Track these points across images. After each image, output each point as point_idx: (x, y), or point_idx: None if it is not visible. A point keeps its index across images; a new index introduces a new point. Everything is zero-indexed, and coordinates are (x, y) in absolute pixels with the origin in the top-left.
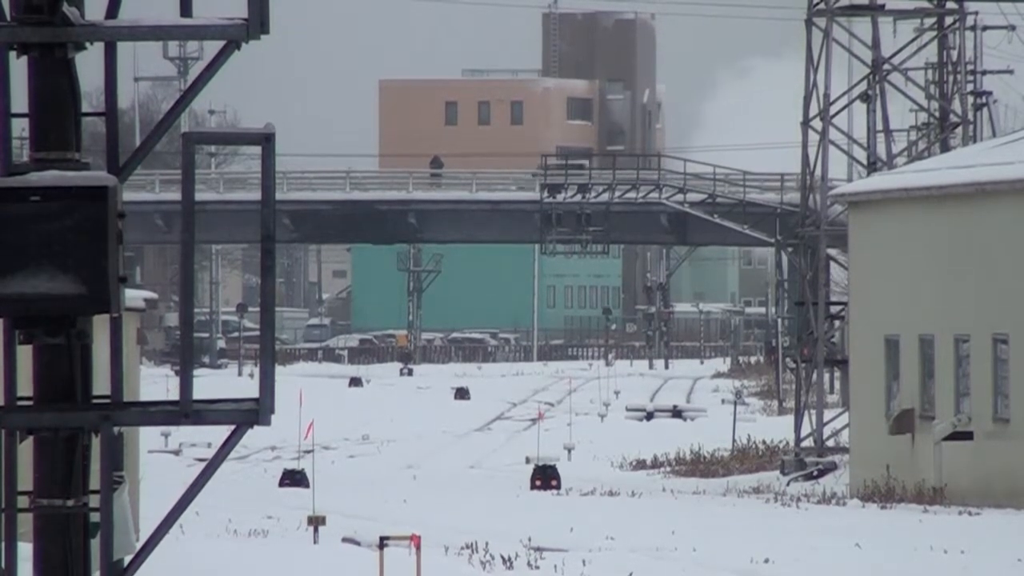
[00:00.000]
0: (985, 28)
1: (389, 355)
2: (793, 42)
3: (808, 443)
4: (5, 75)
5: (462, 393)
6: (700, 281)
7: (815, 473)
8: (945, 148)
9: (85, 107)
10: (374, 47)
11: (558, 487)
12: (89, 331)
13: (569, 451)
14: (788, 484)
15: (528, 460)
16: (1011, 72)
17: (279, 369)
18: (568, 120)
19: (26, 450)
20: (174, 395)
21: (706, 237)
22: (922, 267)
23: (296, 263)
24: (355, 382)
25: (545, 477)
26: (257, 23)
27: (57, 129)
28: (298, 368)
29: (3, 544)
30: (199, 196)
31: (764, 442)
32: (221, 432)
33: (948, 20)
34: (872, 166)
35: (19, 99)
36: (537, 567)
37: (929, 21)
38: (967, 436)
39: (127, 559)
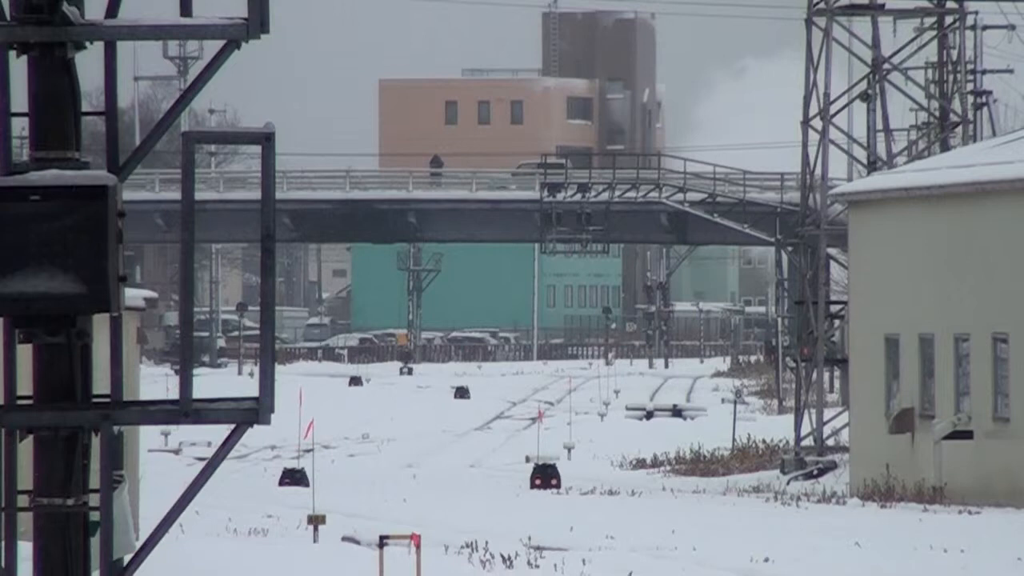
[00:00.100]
0: (985, 28)
1: (389, 354)
2: (790, 42)
3: (808, 442)
4: (5, 75)
5: (462, 392)
6: (700, 280)
7: (815, 472)
8: (945, 148)
9: (85, 107)
10: (374, 47)
11: (558, 486)
12: (89, 330)
13: (569, 450)
14: (788, 483)
15: (528, 459)
16: (1011, 72)
17: (279, 368)
18: (568, 120)
19: (26, 450)
20: (174, 394)
21: (706, 236)
22: (922, 267)
23: (296, 262)
24: (355, 381)
25: (545, 476)
26: (257, 23)
27: (57, 128)
28: (298, 367)
29: (3, 543)
30: (199, 195)
31: (764, 441)
32: (221, 431)
33: (948, 20)
34: (872, 166)
35: (19, 99)
36: (537, 566)
37: (929, 20)
38: (967, 435)
39: (127, 558)
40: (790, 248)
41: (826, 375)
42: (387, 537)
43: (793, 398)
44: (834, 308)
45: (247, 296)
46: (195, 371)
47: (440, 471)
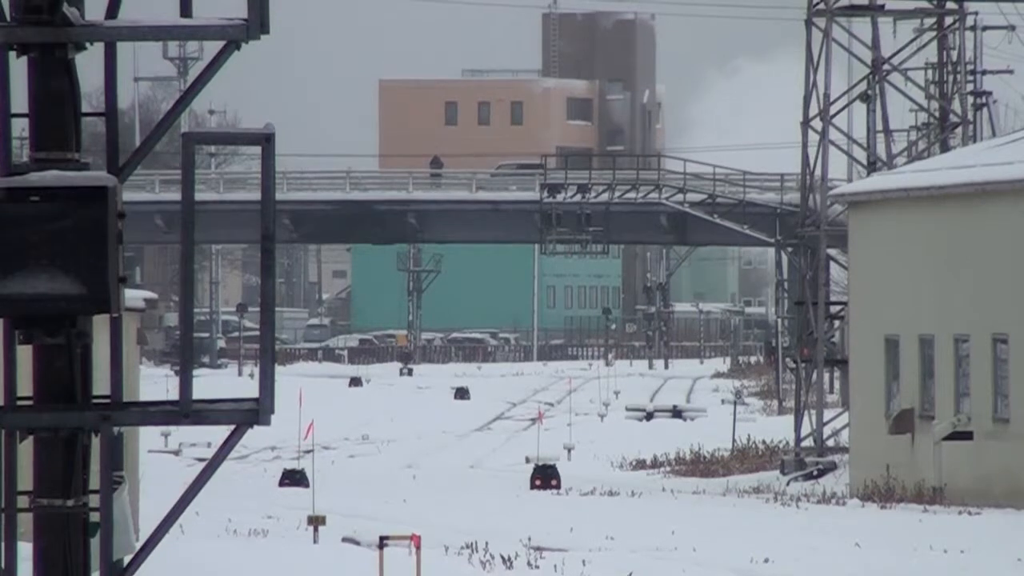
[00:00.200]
0: (985, 28)
1: (389, 355)
2: (783, 42)
3: (808, 443)
4: (5, 75)
5: (462, 393)
6: (700, 281)
7: (815, 473)
8: (945, 148)
9: (85, 107)
10: (374, 47)
11: (558, 487)
12: (89, 331)
13: (569, 451)
14: (788, 484)
15: (528, 460)
16: (1011, 72)
17: (279, 369)
18: (568, 120)
19: (26, 450)
20: (174, 395)
21: (706, 237)
22: (922, 267)
23: (296, 263)
24: (355, 382)
25: (545, 477)
26: (257, 23)
27: (57, 129)
28: (298, 368)
29: (3, 544)
30: (199, 196)
31: (764, 442)
32: (221, 432)
33: (948, 20)
34: (872, 166)
35: (19, 99)
36: (537, 567)
37: (929, 21)
38: (967, 436)
39: (127, 559)
40: (790, 249)
41: (826, 376)
42: (387, 538)
43: (793, 399)
44: (834, 309)
45: (247, 297)
46: (195, 372)
47: (440, 472)
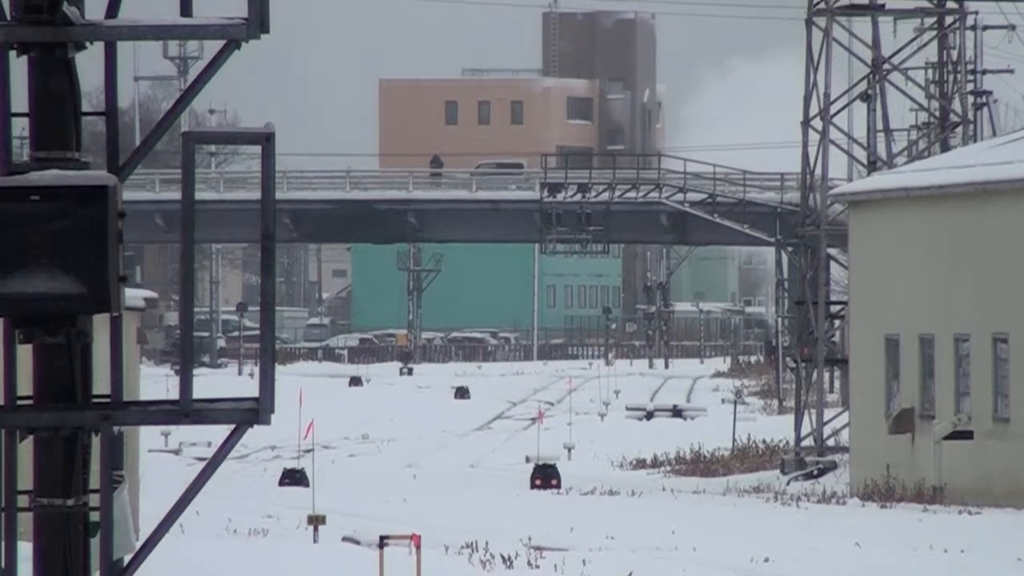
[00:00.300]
0: (985, 28)
1: (389, 354)
2: (784, 42)
3: (808, 442)
4: (5, 75)
5: (462, 392)
6: (700, 281)
7: (815, 472)
8: (945, 148)
9: (85, 107)
10: (374, 47)
11: (558, 486)
12: (89, 331)
13: (569, 450)
14: (788, 483)
15: (528, 459)
16: (1011, 72)
17: (279, 368)
18: (568, 120)
19: (26, 450)
20: (174, 395)
21: (706, 237)
22: (922, 267)
23: (296, 263)
24: (355, 381)
25: (545, 476)
26: (257, 23)
27: (57, 129)
28: (298, 367)
29: (3, 544)
30: (199, 196)
31: (764, 441)
32: (221, 431)
33: (948, 20)
34: (872, 166)
35: (19, 99)
36: (537, 567)
37: (929, 21)
38: (967, 436)
39: (127, 558)
40: (790, 248)
41: (826, 375)
42: (387, 537)
43: (793, 398)
44: (834, 308)
45: (247, 296)
46: (195, 371)
47: (440, 471)
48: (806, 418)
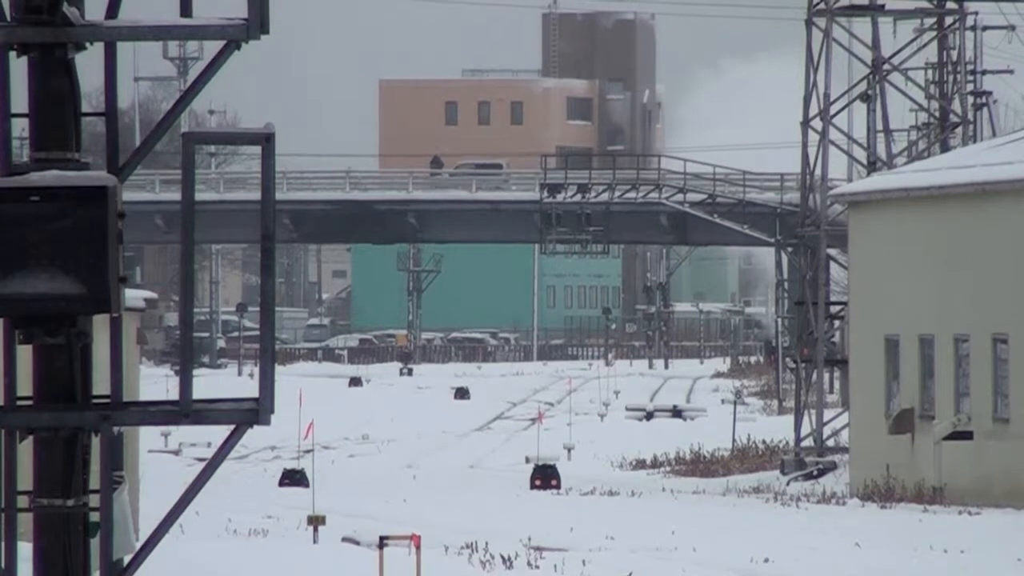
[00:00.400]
0: (985, 28)
1: (389, 355)
2: (781, 42)
3: (808, 443)
4: (5, 75)
5: (462, 393)
6: (700, 281)
7: (815, 473)
8: (945, 148)
9: (85, 107)
10: (374, 47)
11: (558, 487)
12: (89, 331)
13: (569, 451)
14: (788, 484)
15: (528, 460)
16: (1011, 72)
17: (279, 369)
18: (568, 120)
19: (26, 450)
20: (174, 395)
21: (706, 237)
22: (922, 267)
23: (296, 263)
24: (355, 382)
25: (545, 477)
26: (257, 23)
27: (57, 129)
28: (298, 368)
29: (3, 544)
30: (199, 196)
31: (764, 442)
32: (221, 432)
33: (948, 20)
34: (872, 166)
35: (19, 99)
36: (537, 567)
37: (929, 21)
38: (967, 436)
39: (127, 559)
40: (790, 249)
41: (826, 376)
42: (387, 538)
43: (793, 399)
44: (834, 309)
45: (247, 296)
46: (195, 372)
47: (440, 471)
48: (806, 418)
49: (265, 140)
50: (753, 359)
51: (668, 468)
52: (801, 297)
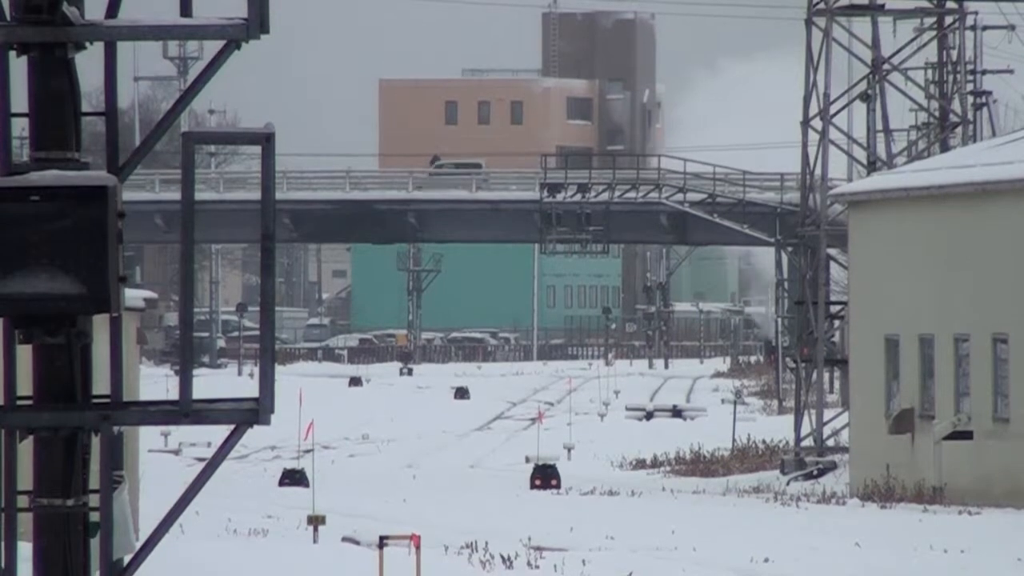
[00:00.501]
0: (985, 28)
1: (389, 355)
2: (781, 41)
3: (808, 443)
4: (5, 75)
5: (462, 393)
6: (700, 281)
7: (815, 473)
8: (945, 148)
9: (85, 107)
10: (374, 47)
11: (558, 487)
12: (89, 331)
13: (569, 451)
14: (788, 484)
15: (528, 460)
16: (1011, 72)
17: (279, 369)
18: (568, 120)
19: (26, 450)
20: (174, 395)
21: (706, 237)
22: (922, 267)
23: (296, 263)
24: (355, 382)
25: (545, 477)
26: (257, 23)
27: (57, 129)
28: (298, 368)
29: (3, 544)
30: (199, 196)
31: (764, 442)
32: (221, 432)
33: (948, 20)
34: (872, 166)
35: (19, 99)
36: (537, 567)
37: (929, 21)
38: (967, 436)
39: (127, 559)
40: (790, 248)
41: (826, 375)
42: (387, 537)
43: (793, 398)
44: (834, 308)
45: (247, 296)
46: (195, 372)
47: (440, 471)
48: (806, 418)
49: (265, 140)
50: (753, 359)
51: (668, 468)
52: (801, 297)
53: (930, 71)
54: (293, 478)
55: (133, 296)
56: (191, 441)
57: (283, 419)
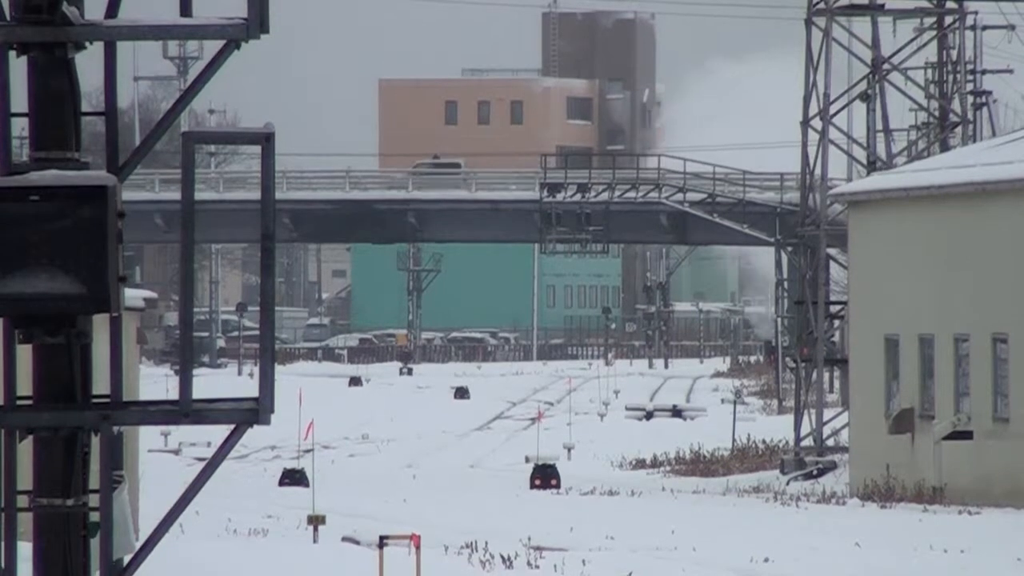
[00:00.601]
0: (985, 28)
1: (389, 354)
2: (782, 41)
3: (808, 442)
4: (5, 75)
5: (462, 392)
6: (700, 281)
7: (815, 472)
8: (945, 148)
9: (85, 107)
10: (374, 47)
11: (558, 486)
12: (89, 331)
13: (569, 450)
14: (788, 483)
15: (528, 459)
16: (1011, 72)
17: (279, 368)
18: (568, 120)
19: (26, 450)
20: (174, 395)
21: (706, 237)
22: (922, 267)
23: (296, 263)
24: (355, 381)
25: (545, 476)
26: (257, 23)
27: (57, 129)
28: (298, 367)
29: (3, 544)
30: (199, 196)
31: (764, 441)
32: (221, 431)
33: (948, 20)
34: (872, 166)
35: (19, 99)
36: (537, 567)
37: (929, 21)
38: (967, 436)
39: (127, 559)
40: (790, 248)
41: (826, 375)
42: (387, 537)
43: (793, 398)
44: (834, 308)
45: (247, 296)
46: (195, 371)
47: (440, 471)
48: (806, 418)
49: (265, 140)
50: (753, 359)
51: (668, 468)
52: (801, 297)
53: (930, 71)
54: (293, 478)
55: (133, 296)
56: (191, 441)
57: (283, 419)
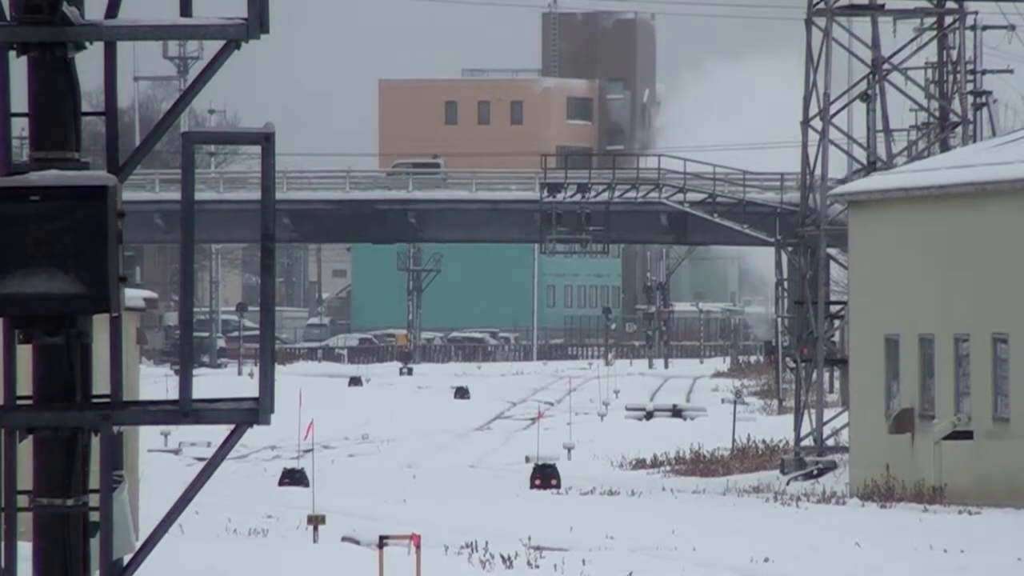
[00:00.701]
0: (985, 28)
1: (389, 354)
2: (783, 41)
3: (808, 442)
4: (5, 75)
5: (462, 392)
6: (700, 281)
7: (815, 472)
8: (945, 148)
9: (85, 107)
10: (374, 47)
11: (558, 486)
12: (89, 331)
13: (569, 450)
14: (788, 483)
15: (528, 459)
16: (1011, 72)
17: (279, 368)
18: (568, 120)
19: (26, 450)
20: (174, 394)
21: (706, 237)
22: (922, 267)
23: (296, 263)
24: (355, 381)
25: (545, 476)
26: (257, 23)
27: (57, 129)
28: (298, 367)
29: (3, 544)
30: (199, 196)
31: (764, 441)
32: (221, 431)
33: (948, 20)
34: (872, 166)
35: (19, 99)
36: (537, 566)
37: (929, 21)
38: (967, 436)
39: (127, 558)
40: (790, 248)
41: (826, 375)
42: (387, 537)
43: (793, 398)
44: (834, 308)
45: (247, 296)
46: (195, 371)
47: (440, 471)
48: (806, 418)
49: (265, 140)
50: (753, 359)
51: (668, 468)
52: (801, 297)
53: (930, 71)
54: (293, 478)
55: (133, 296)
56: (191, 441)
57: (283, 419)
